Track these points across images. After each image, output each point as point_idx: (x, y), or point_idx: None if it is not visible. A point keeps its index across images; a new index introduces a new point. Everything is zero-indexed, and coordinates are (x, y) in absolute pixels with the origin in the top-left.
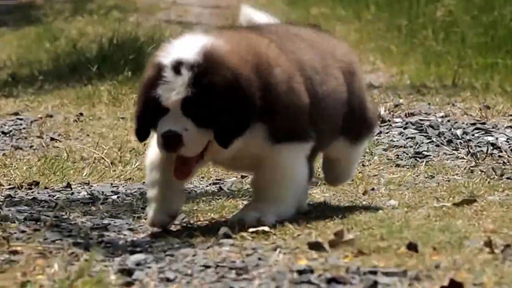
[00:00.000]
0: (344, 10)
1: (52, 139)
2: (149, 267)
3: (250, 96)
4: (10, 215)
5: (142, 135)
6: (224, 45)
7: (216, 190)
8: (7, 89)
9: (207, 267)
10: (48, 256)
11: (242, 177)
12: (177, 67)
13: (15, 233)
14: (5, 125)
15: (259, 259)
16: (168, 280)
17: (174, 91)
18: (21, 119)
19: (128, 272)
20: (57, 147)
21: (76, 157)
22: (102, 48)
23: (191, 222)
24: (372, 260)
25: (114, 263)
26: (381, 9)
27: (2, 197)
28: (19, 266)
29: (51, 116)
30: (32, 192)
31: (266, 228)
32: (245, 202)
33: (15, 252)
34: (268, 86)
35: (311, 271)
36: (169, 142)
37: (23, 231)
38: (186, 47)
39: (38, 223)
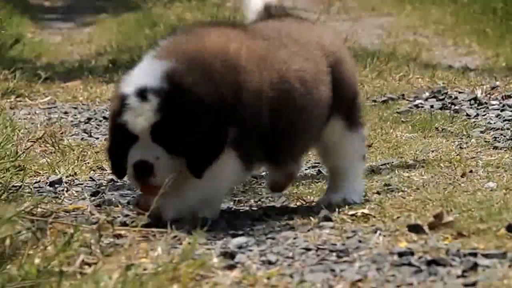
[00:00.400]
0: None
1: None
2: (250, 250)
3: (219, 119)
4: (113, 199)
5: (119, 171)
6: (185, 67)
7: (315, 173)
8: (107, 75)
9: (308, 249)
10: (151, 240)
11: None
12: (142, 93)
13: (118, 217)
14: (106, 110)
15: (359, 241)
16: (269, 262)
17: (141, 116)
18: None
19: (231, 255)
20: None
21: None
22: None
23: (291, 205)
24: (472, 242)
25: (216, 246)
26: None
27: (105, 182)
28: (123, 250)
29: None
30: None
31: (365, 211)
32: None
33: (119, 236)
34: (236, 89)
35: (411, 253)
36: (141, 173)
37: (126, 215)
38: (147, 74)
39: None
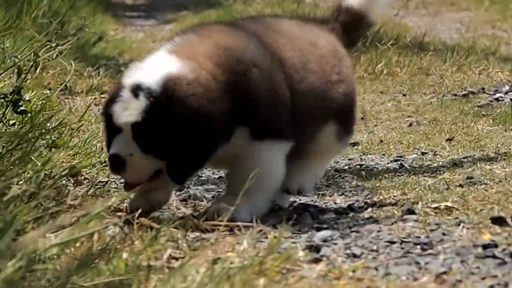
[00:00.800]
0: None
1: None
2: (335, 243)
3: (209, 134)
4: (198, 193)
5: None
6: (189, 72)
7: (397, 167)
8: None
9: (392, 242)
10: (237, 234)
11: (423, 153)
12: (135, 90)
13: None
14: None
15: (443, 234)
16: (354, 256)
17: (127, 111)
18: None
19: (316, 248)
20: None
21: None
22: None
23: (375, 199)
24: None
25: (301, 240)
26: None
27: None
28: (210, 244)
29: None
30: (219, 171)
31: (448, 204)
32: (426, 178)
33: (205, 230)
34: (246, 90)
35: (495, 246)
36: (113, 166)
37: None
38: (149, 72)
39: None
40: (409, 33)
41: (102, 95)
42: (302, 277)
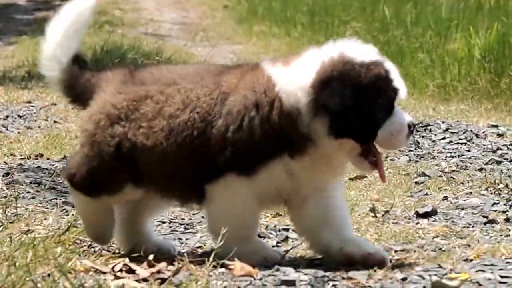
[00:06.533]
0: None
1: (55, 121)
2: None
3: None
4: (20, 179)
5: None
6: None
7: None
8: (23, 83)
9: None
10: (45, 212)
11: None
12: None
13: (22, 193)
14: (20, 110)
15: None
16: None
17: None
18: (32, 106)
19: None
20: (58, 128)
21: (72, 135)
22: (95, 54)
23: None
24: None
25: None
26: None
27: (15, 165)
28: (24, 218)
29: (55, 104)
30: (38, 162)
31: None
32: None
33: (21, 208)
34: None
35: None
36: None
37: (28, 192)
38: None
39: (40, 185)
40: (193, 60)
41: None
42: None
